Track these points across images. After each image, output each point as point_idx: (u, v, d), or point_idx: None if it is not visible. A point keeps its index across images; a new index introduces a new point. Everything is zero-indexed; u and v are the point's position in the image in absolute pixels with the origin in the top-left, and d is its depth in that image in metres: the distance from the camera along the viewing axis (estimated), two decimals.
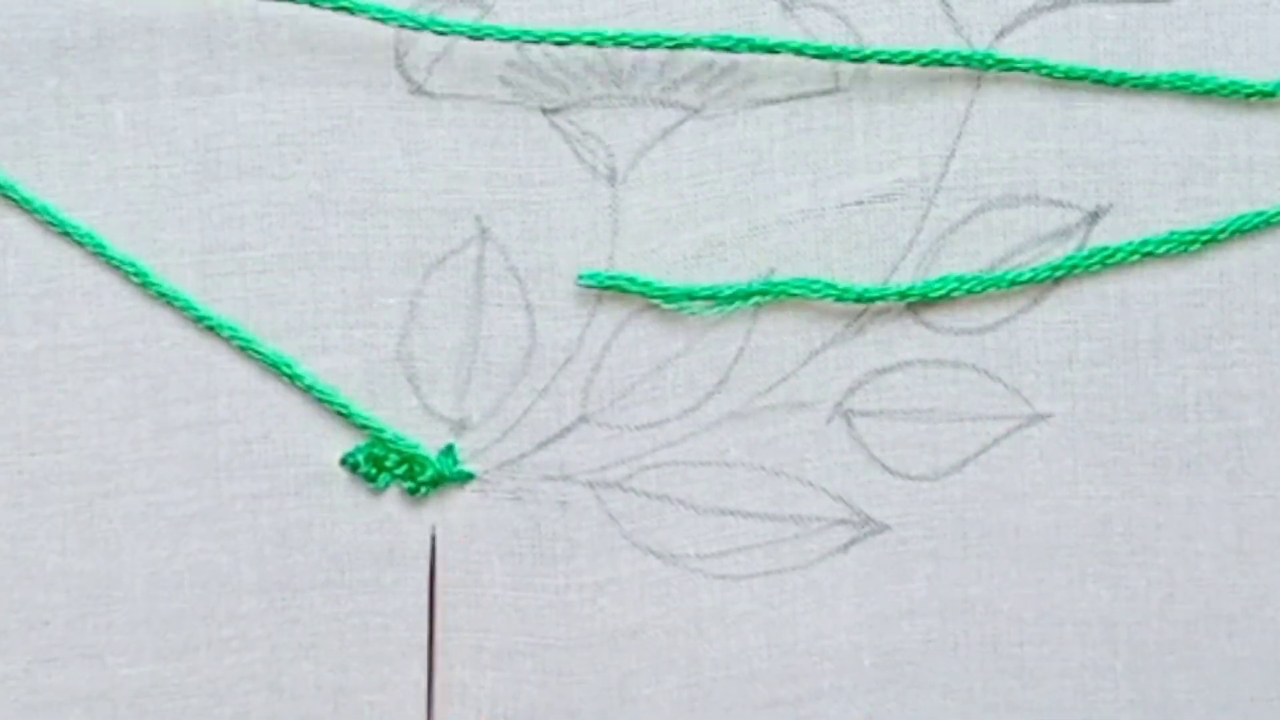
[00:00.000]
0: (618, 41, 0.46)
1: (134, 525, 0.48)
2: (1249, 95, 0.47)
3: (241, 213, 0.48)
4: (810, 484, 0.49)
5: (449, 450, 0.48)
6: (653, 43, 0.47)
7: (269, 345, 0.47)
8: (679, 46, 0.47)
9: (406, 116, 0.47)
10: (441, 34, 0.47)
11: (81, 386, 0.48)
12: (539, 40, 0.46)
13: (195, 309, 0.47)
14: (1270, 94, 0.47)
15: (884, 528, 0.49)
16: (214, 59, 0.47)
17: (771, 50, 0.47)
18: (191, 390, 0.48)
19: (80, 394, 0.48)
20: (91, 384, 0.48)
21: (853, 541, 0.49)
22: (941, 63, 0.47)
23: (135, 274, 0.47)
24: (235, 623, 0.48)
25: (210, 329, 0.47)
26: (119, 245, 0.47)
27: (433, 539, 0.48)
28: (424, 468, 0.48)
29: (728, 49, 0.47)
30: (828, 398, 0.48)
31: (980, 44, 0.48)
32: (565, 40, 0.46)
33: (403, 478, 0.48)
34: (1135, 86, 0.47)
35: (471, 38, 0.47)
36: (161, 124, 0.47)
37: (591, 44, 0.46)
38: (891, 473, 0.48)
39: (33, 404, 0.48)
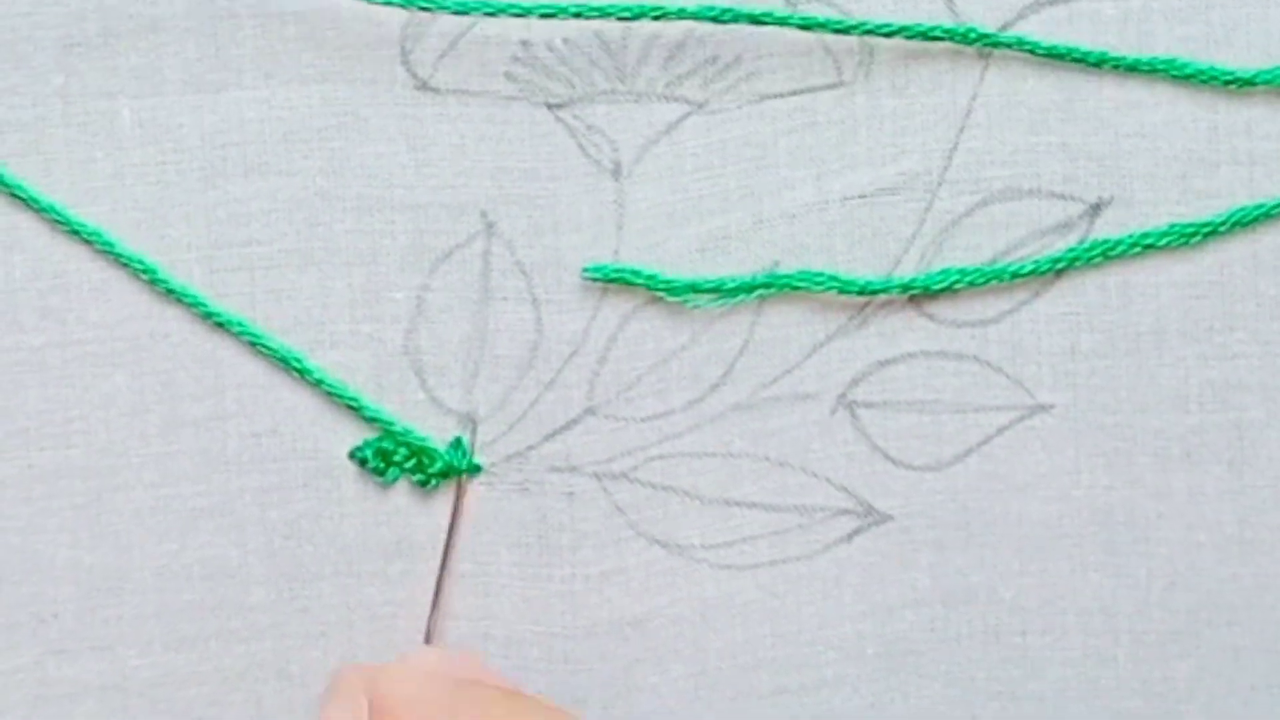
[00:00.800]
0: (604, 13, 0.46)
1: (143, 519, 0.48)
2: (1228, 83, 0.47)
3: (248, 209, 0.48)
4: (814, 475, 0.49)
5: (458, 442, 0.48)
6: (638, 14, 0.47)
7: (277, 340, 0.48)
8: (663, 16, 0.47)
9: (412, 112, 0.48)
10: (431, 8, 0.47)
11: (90, 382, 0.48)
12: (525, 13, 0.47)
13: (204, 305, 0.47)
14: (1249, 82, 0.47)
15: (887, 518, 0.49)
16: (220, 56, 0.47)
17: (757, 21, 0.47)
18: (200, 385, 0.48)
19: (89, 390, 0.48)
20: (100, 380, 0.48)
21: (856, 531, 0.49)
22: (924, 36, 0.47)
23: (144, 271, 0.47)
24: (245, 614, 0.48)
25: (219, 325, 0.48)
26: (126, 242, 0.48)
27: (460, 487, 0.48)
28: (433, 460, 0.48)
29: (712, 19, 0.47)
30: (831, 389, 0.49)
31: None
32: (551, 12, 0.47)
33: (412, 471, 0.48)
34: (1118, 68, 0.47)
35: (456, 12, 0.47)
36: (168, 121, 0.47)
37: (577, 15, 0.46)
38: (895, 463, 0.49)
39: (41, 400, 0.48)
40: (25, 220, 0.47)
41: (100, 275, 0.48)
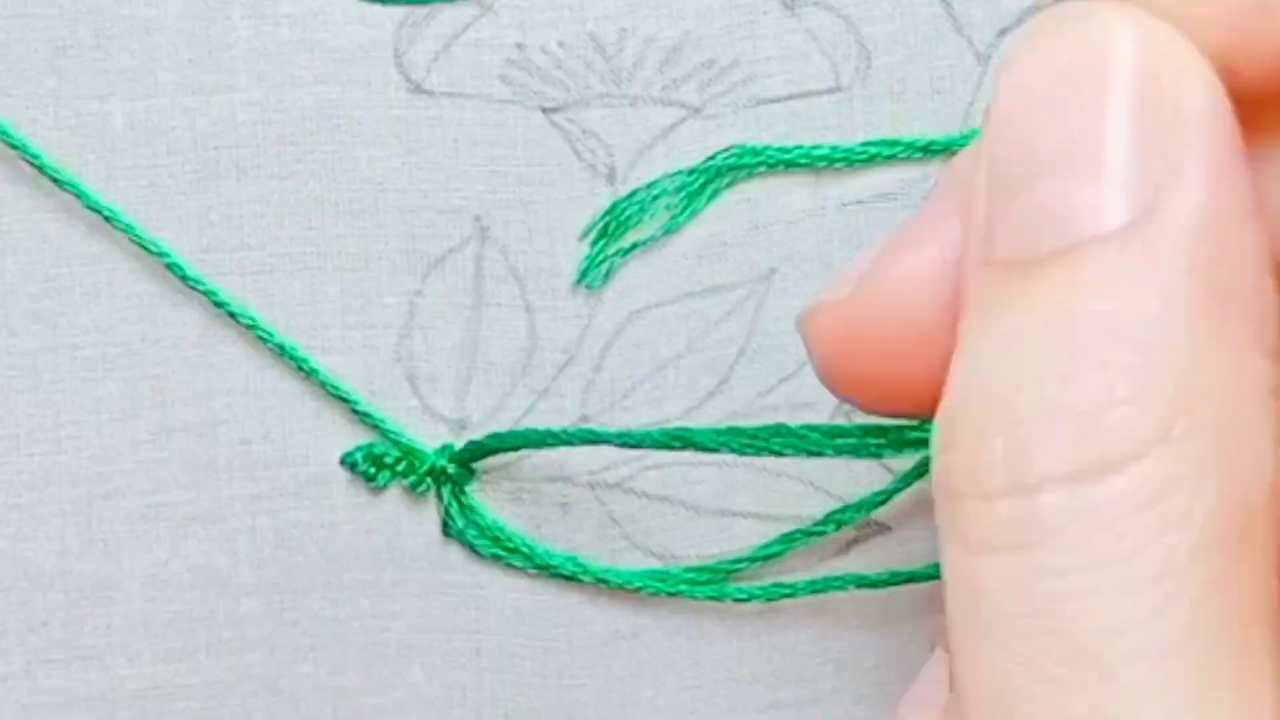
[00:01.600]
0: None
1: (133, 527, 0.48)
2: None
3: (240, 212, 0.47)
4: (811, 485, 0.48)
5: (449, 449, 0.48)
6: None
7: (283, 338, 0.47)
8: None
9: (405, 115, 0.47)
10: None
11: (80, 387, 0.48)
12: None
13: (225, 303, 0.47)
14: None
15: (885, 529, 0.49)
16: (212, 58, 0.47)
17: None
18: (191, 391, 0.48)
19: (79, 395, 0.48)
20: (90, 385, 0.48)
21: (854, 542, 0.49)
22: None
23: (170, 264, 0.47)
24: (234, 624, 0.48)
25: (226, 313, 0.47)
26: (117, 245, 0.47)
27: None
28: (423, 461, 0.48)
29: None
30: (828, 398, 0.48)
31: (981, 43, 0.48)
32: None
33: (403, 474, 0.48)
34: None
35: None
36: (160, 124, 0.47)
37: None
38: (893, 474, 0.48)
39: (31, 405, 0.48)
40: (18, 222, 0.47)
41: (93, 280, 0.47)
